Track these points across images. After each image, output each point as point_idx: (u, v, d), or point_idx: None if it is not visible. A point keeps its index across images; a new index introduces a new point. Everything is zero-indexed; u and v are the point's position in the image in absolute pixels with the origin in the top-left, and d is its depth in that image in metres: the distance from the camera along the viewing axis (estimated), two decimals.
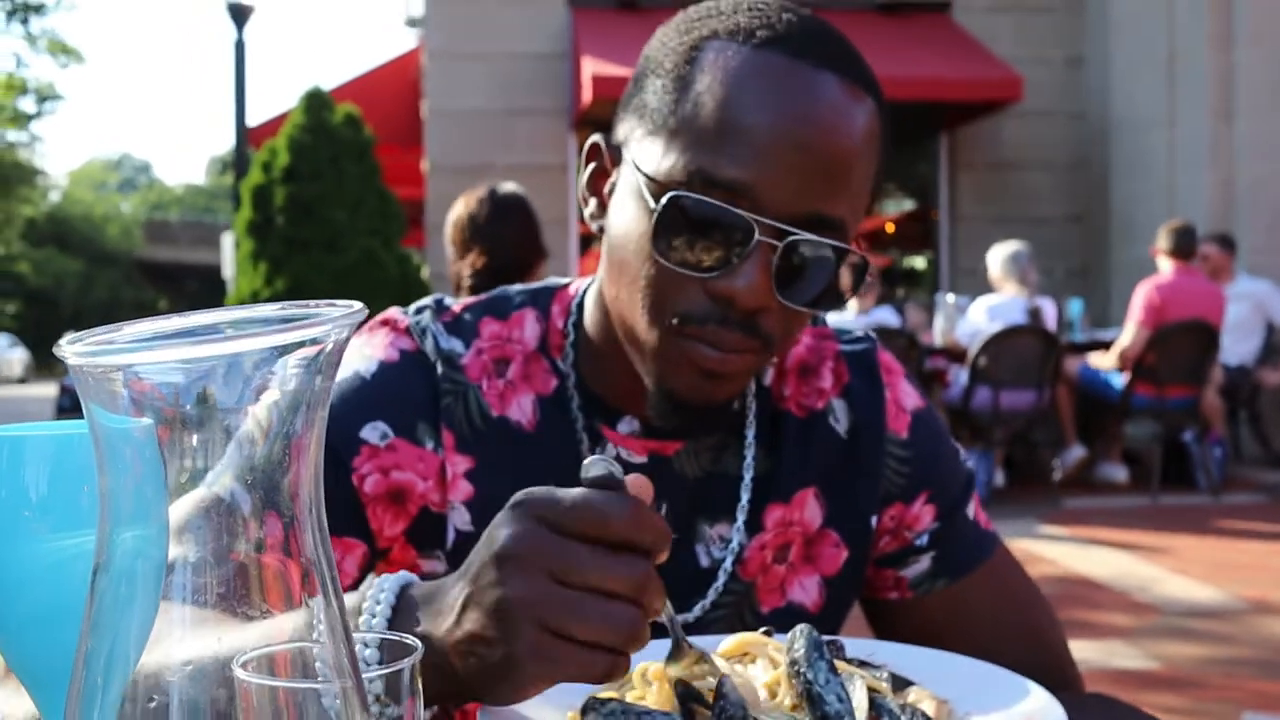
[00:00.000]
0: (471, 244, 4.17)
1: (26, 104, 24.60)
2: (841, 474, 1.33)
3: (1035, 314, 8.32)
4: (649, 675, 0.98)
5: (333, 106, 10.32)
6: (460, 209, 4.25)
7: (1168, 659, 4.69)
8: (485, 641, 0.87)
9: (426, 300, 1.34)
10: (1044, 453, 8.57)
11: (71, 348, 0.53)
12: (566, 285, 1.35)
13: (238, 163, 12.14)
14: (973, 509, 1.39)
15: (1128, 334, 8.36)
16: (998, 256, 8.61)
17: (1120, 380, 8.40)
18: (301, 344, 0.55)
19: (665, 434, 1.26)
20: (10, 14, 21.85)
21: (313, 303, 0.58)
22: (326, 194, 9.99)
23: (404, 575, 0.97)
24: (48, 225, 41.82)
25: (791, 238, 1.08)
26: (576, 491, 0.87)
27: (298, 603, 0.58)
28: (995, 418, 8.23)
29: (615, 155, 1.21)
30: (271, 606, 0.58)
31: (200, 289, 42.07)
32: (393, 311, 1.32)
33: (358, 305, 0.57)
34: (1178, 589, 5.82)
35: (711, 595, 1.28)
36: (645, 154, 1.14)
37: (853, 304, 8.36)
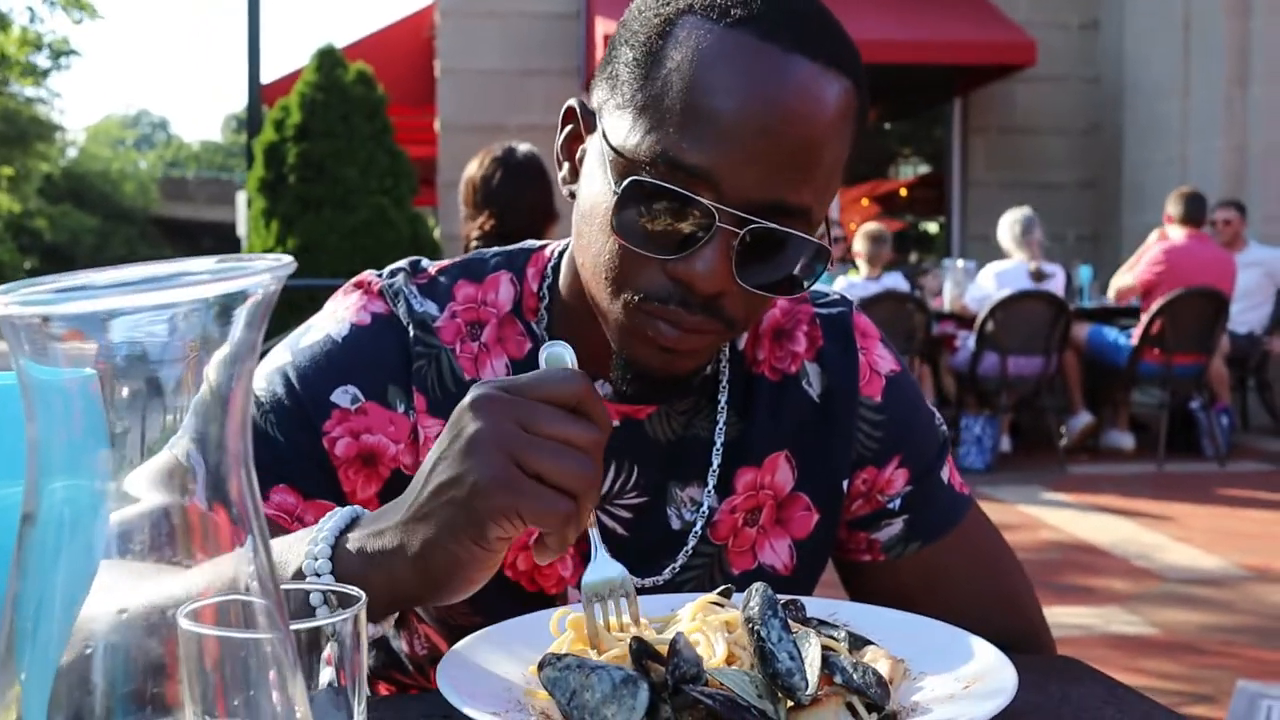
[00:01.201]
0: (483, 206, 4.16)
1: (41, 60, 24.58)
2: (813, 437, 1.34)
3: (1037, 275, 8.29)
4: (567, 622, 1.03)
5: (345, 65, 10.28)
6: (474, 169, 4.23)
7: (1166, 625, 4.71)
8: (452, 482, 0.94)
9: (401, 263, 1.34)
10: (1051, 419, 8.55)
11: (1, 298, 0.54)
12: (542, 248, 1.35)
13: (250, 120, 12.12)
14: (947, 473, 1.39)
15: (1122, 278, 8.38)
16: (1006, 222, 8.59)
17: (1127, 342, 8.39)
18: (228, 296, 0.56)
19: (638, 398, 1.27)
20: None
21: (246, 256, 0.59)
22: (338, 152, 9.97)
23: (354, 509, 1.03)
24: (65, 182, 41.83)
25: (752, 225, 1.08)
26: (532, 372, 0.99)
27: (228, 550, 0.59)
28: (1002, 383, 8.23)
29: (590, 121, 1.20)
30: (205, 556, 0.59)
31: (216, 246, 42.08)
32: (366, 274, 1.32)
33: (286, 259, 0.58)
34: (1180, 556, 5.83)
35: (682, 558, 1.30)
36: (614, 126, 1.13)
37: (863, 268, 8.34)
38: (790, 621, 0.95)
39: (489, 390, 0.96)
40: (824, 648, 0.93)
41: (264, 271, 0.57)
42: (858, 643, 1.01)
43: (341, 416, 1.23)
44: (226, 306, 0.56)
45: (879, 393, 1.36)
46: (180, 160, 63.22)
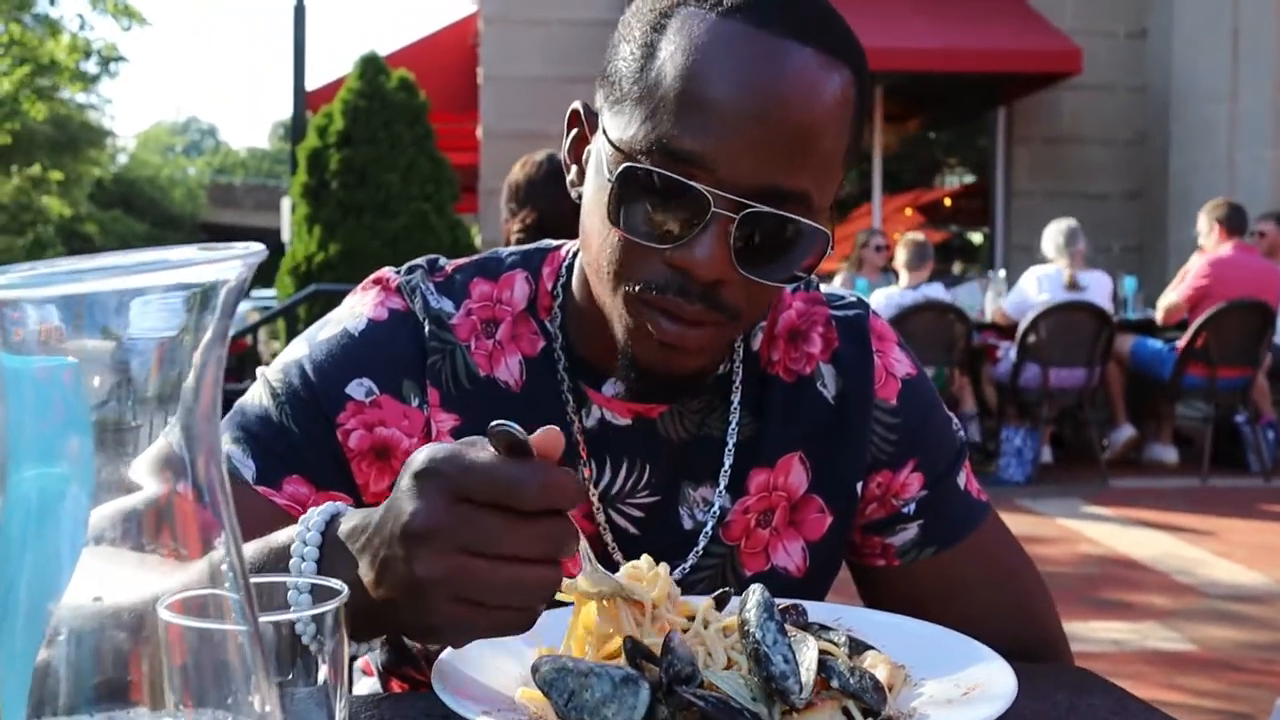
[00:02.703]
0: (525, 204, 4.19)
1: (90, 66, 24.91)
2: (827, 439, 1.33)
3: (1071, 284, 8.22)
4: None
5: (388, 72, 10.38)
6: (517, 172, 4.27)
7: (1204, 641, 4.64)
8: (403, 607, 0.90)
9: (420, 260, 1.34)
10: (1093, 431, 8.47)
11: None
12: (558, 248, 1.35)
13: (294, 127, 12.23)
14: (964, 478, 1.38)
15: (1168, 297, 8.28)
16: (1050, 231, 8.52)
17: (1171, 355, 8.30)
18: (198, 284, 0.56)
19: (650, 396, 1.26)
20: None
21: (223, 245, 0.59)
22: (380, 158, 10.06)
23: (333, 506, 0.99)
24: (115, 187, 42.31)
25: (748, 210, 1.08)
26: (485, 460, 0.87)
27: (202, 540, 0.59)
28: (1044, 395, 8.15)
29: (593, 122, 1.21)
30: (183, 546, 0.59)
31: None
32: (385, 271, 1.33)
33: (257, 246, 0.58)
34: (1221, 572, 5.76)
35: (693, 558, 1.29)
36: (612, 121, 1.14)
37: (904, 277, 8.29)
38: (787, 625, 0.94)
39: (430, 501, 0.86)
40: (822, 652, 0.92)
41: (234, 259, 0.56)
42: (858, 648, 1.00)
43: (356, 409, 1.23)
44: (196, 293, 0.56)
45: (894, 395, 1.35)
46: (228, 167, 63.84)
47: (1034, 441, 8.23)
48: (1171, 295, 8.40)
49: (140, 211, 42.36)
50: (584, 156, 1.23)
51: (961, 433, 1.41)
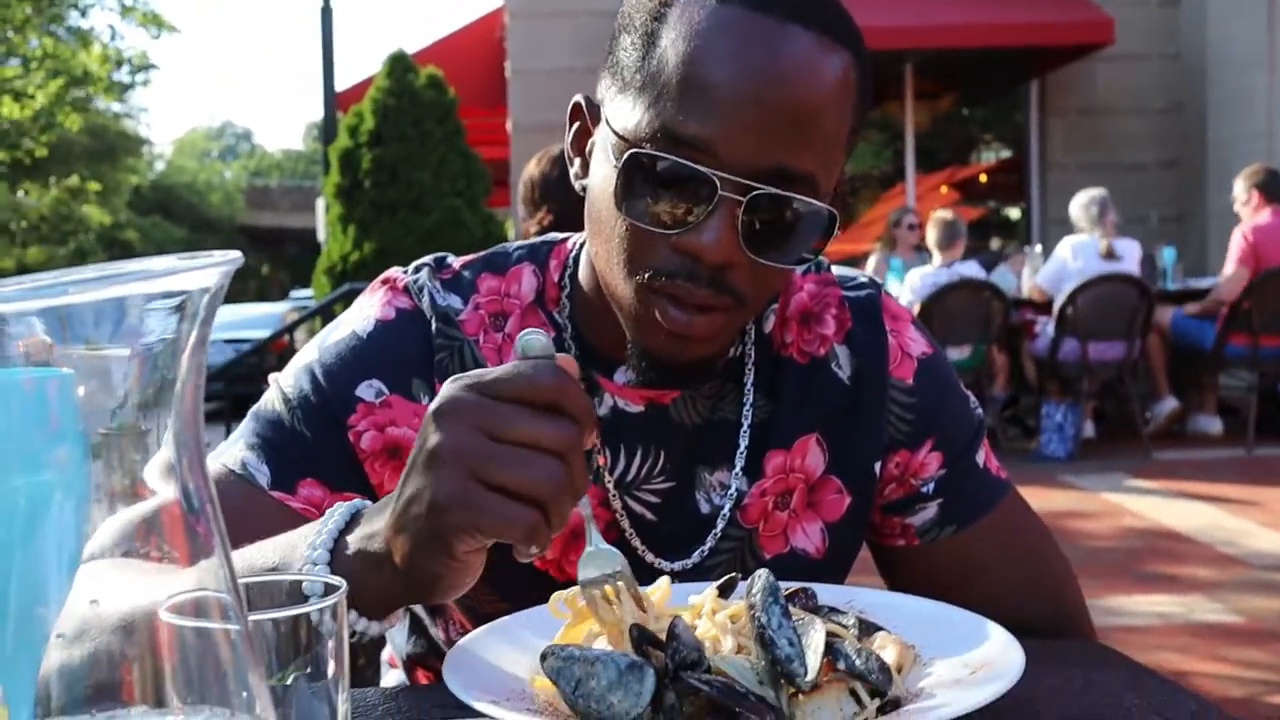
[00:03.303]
0: (541, 202, 4.18)
1: (123, 75, 25.14)
2: (844, 420, 1.33)
3: (1108, 253, 8.13)
4: (564, 601, 1.02)
5: (416, 69, 10.40)
6: (532, 167, 4.27)
7: (1251, 613, 4.60)
8: (416, 498, 0.91)
9: (427, 259, 1.36)
10: (1135, 405, 8.39)
11: None
12: (564, 240, 1.36)
13: (325, 128, 12.30)
14: (982, 456, 1.38)
15: (1225, 279, 8.15)
16: (1080, 202, 8.43)
17: (1212, 325, 8.20)
18: (178, 291, 0.57)
19: (662, 383, 1.27)
20: None
21: (203, 253, 0.60)
22: (411, 156, 10.09)
23: (357, 502, 1.02)
24: (153, 194, 42.73)
25: (755, 192, 1.08)
26: (508, 364, 0.92)
27: (193, 545, 0.60)
28: (1084, 369, 8.08)
29: (596, 114, 1.21)
30: (177, 551, 0.60)
31: (298, 253, 42.77)
32: (392, 271, 1.34)
33: (234, 254, 0.59)
34: (1266, 542, 5.70)
35: (710, 541, 1.30)
36: (616, 111, 1.14)
37: (936, 256, 8.24)
38: (795, 608, 0.94)
39: (456, 391, 0.92)
40: (829, 634, 0.92)
41: (212, 266, 0.57)
42: (868, 629, 1.01)
43: (366, 410, 1.25)
44: (176, 301, 0.57)
45: (910, 375, 1.35)
46: (264, 169, 64.31)
47: (1075, 416, 8.17)
48: (1228, 269, 8.22)
49: (179, 217, 42.76)
50: (587, 149, 1.23)
51: (979, 410, 1.41)
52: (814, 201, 1.11)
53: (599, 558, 1.00)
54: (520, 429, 0.89)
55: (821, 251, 1.15)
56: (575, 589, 1.02)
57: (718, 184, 1.07)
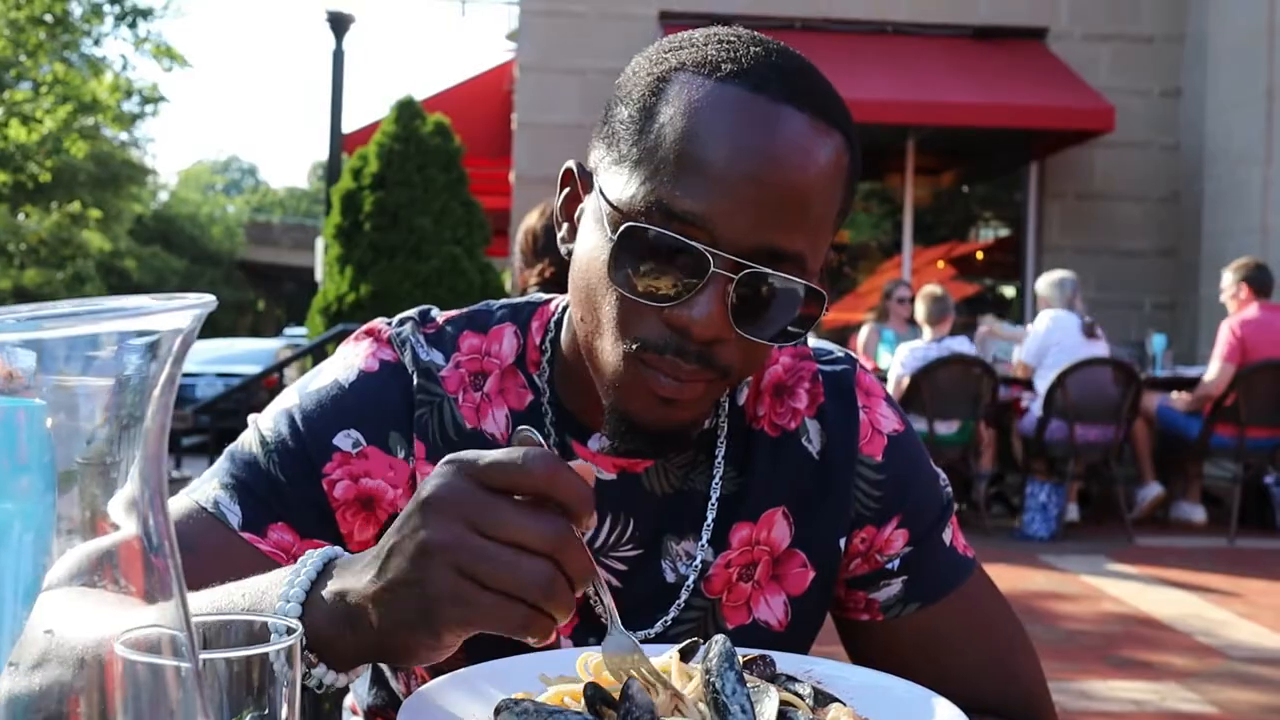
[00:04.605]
0: (542, 255, 4.20)
1: (132, 106, 25.27)
2: (812, 494, 1.34)
3: (1090, 330, 8.19)
4: (590, 667, 1.01)
5: (424, 116, 10.48)
6: (533, 219, 4.29)
7: (1226, 704, 4.59)
8: (405, 584, 0.90)
9: (411, 311, 1.37)
10: (1120, 489, 8.40)
11: None
12: (547, 301, 1.37)
13: (330, 169, 12.37)
14: (949, 534, 1.38)
15: (1211, 372, 8.19)
16: (1048, 281, 8.47)
17: (1199, 418, 8.23)
18: (150, 332, 0.58)
19: (636, 452, 1.28)
20: (119, 18, 22.47)
21: (177, 295, 0.61)
22: (413, 201, 10.15)
23: (333, 549, 1.01)
24: (155, 224, 42.81)
25: (747, 270, 1.10)
26: (503, 450, 0.91)
27: (149, 581, 0.61)
28: (1070, 451, 8.10)
29: (587, 181, 1.23)
30: (134, 586, 0.61)
31: (297, 291, 42.88)
32: (377, 322, 1.35)
33: (208, 298, 0.60)
34: (1245, 634, 5.69)
35: (674, 610, 1.30)
36: (610, 182, 1.16)
37: (926, 331, 8.28)
38: (751, 675, 0.95)
39: (447, 479, 0.90)
40: (783, 703, 0.93)
41: (186, 308, 0.59)
42: (823, 700, 1.01)
43: (342, 459, 1.25)
44: (149, 340, 0.58)
45: (880, 452, 1.36)
46: (267, 206, 64.51)
47: (1059, 497, 8.18)
48: (1214, 365, 8.26)
49: (179, 248, 42.82)
50: (576, 215, 1.25)
51: (948, 488, 1.42)
52: (803, 282, 1.12)
53: (616, 644, 0.99)
54: (508, 528, 0.87)
55: (810, 329, 1.16)
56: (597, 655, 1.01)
57: (711, 261, 1.09)
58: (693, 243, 1.09)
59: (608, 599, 0.99)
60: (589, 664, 1.02)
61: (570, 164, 1.27)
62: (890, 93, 10.70)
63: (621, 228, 1.11)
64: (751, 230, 1.09)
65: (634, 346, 1.14)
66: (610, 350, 1.16)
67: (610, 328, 1.15)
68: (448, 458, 0.92)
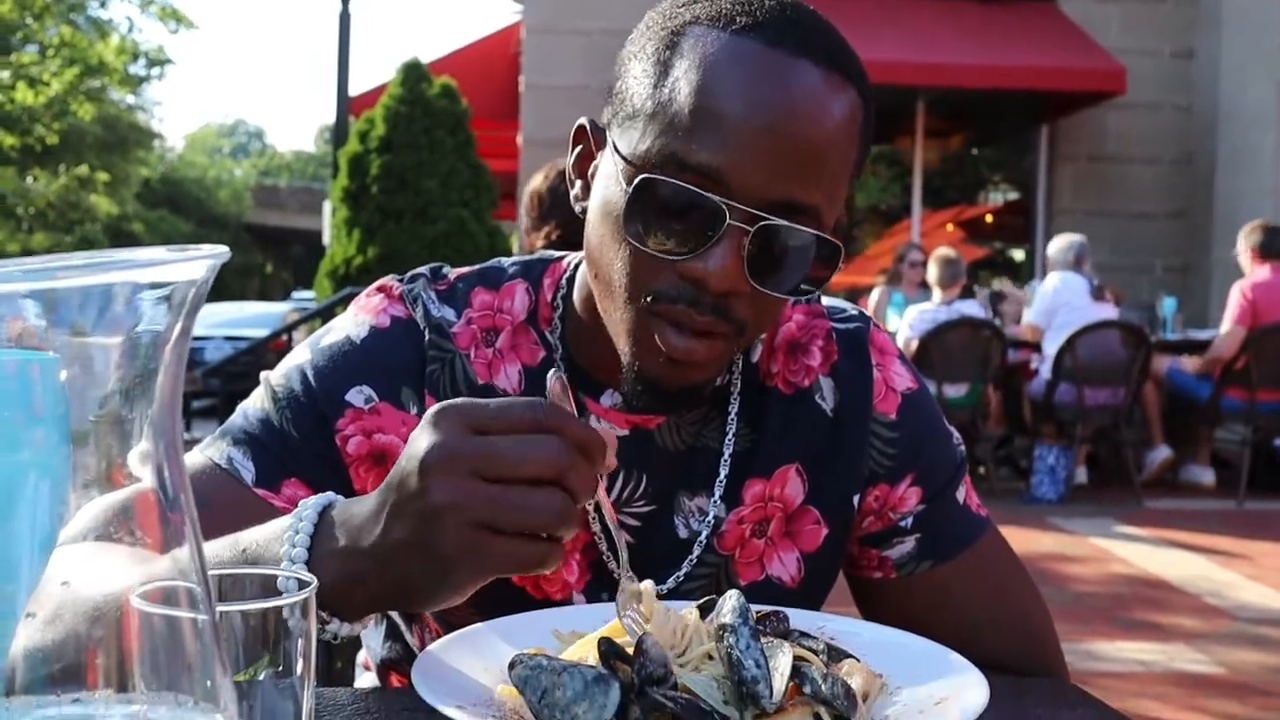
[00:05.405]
0: (548, 217, 4.18)
1: (138, 68, 25.20)
2: (825, 452, 1.33)
3: (1099, 293, 8.17)
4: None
5: (430, 79, 10.43)
6: (538, 181, 4.26)
7: (1233, 665, 4.60)
8: (415, 548, 0.90)
9: (423, 269, 1.36)
10: (1129, 452, 8.39)
11: None
12: (560, 258, 1.37)
13: (337, 132, 12.34)
14: (963, 493, 1.38)
15: (1221, 337, 8.17)
16: (1057, 246, 8.43)
17: (1209, 381, 8.22)
18: (164, 284, 0.57)
19: (652, 408, 1.27)
20: None
21: (191, 246, 0.61)
22: (420, 164, 10.12)
23: (327, 496, 1.00)
24: (162, 187, 42.76)
25: (762, 223, 1.09)
26: (498, 399, 0.92)
27: (165, 534, 0.60)
28: (1079, 413, 8.09)
29: (600, 138, 1.22)
30: (150, 539, 0.61)
31: (304, 254, 42.87)
32: (388, 279, 1.35)
33: (221, 249, 0.60)
34: (1253, 595, 5.70)
35: (686, 566, 1.30)
36: (624, 137, 1.15)
37: (936, 294, 8.26)
38: (765, 631, 0.95)
39: (444, 436, 0.90)
40: (797, 658, 0.93)
41: (199, 259, 0.58)
42: (836, 655, 1.01)
43: (355, 415, 1.25)
44: (163, 292, 0.58)
45: (894, 410, 1.36)
46: (273, 169, 64.41)
47: (1068, 460, 8.17)
48: (1225, 328, 8.24)
49: (186, 211, 42.78)
50: (589, 172, 1.24)
51: (961, 447, 1.41)
52: (819, 233, 1.12)
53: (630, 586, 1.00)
54: (511, 463, 0.88)
55: (826, 283, 1.16)
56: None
57: (726, 212, 1.08)
58: (708, 194, 1.08)
59: (620, 538, 1.02)
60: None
61: (583, 121, 1.26)
62: (900, 54, 10.63)
63: (636, 180, 1.11)
64: (767, 183, 1.09)
65: (648, 300, 1.13)
66: (624, 305, 1.16)
67: (624, 283, 1.15)
68: (433, 410, 0.92)
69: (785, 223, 1.10)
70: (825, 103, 1.11)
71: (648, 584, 1.03)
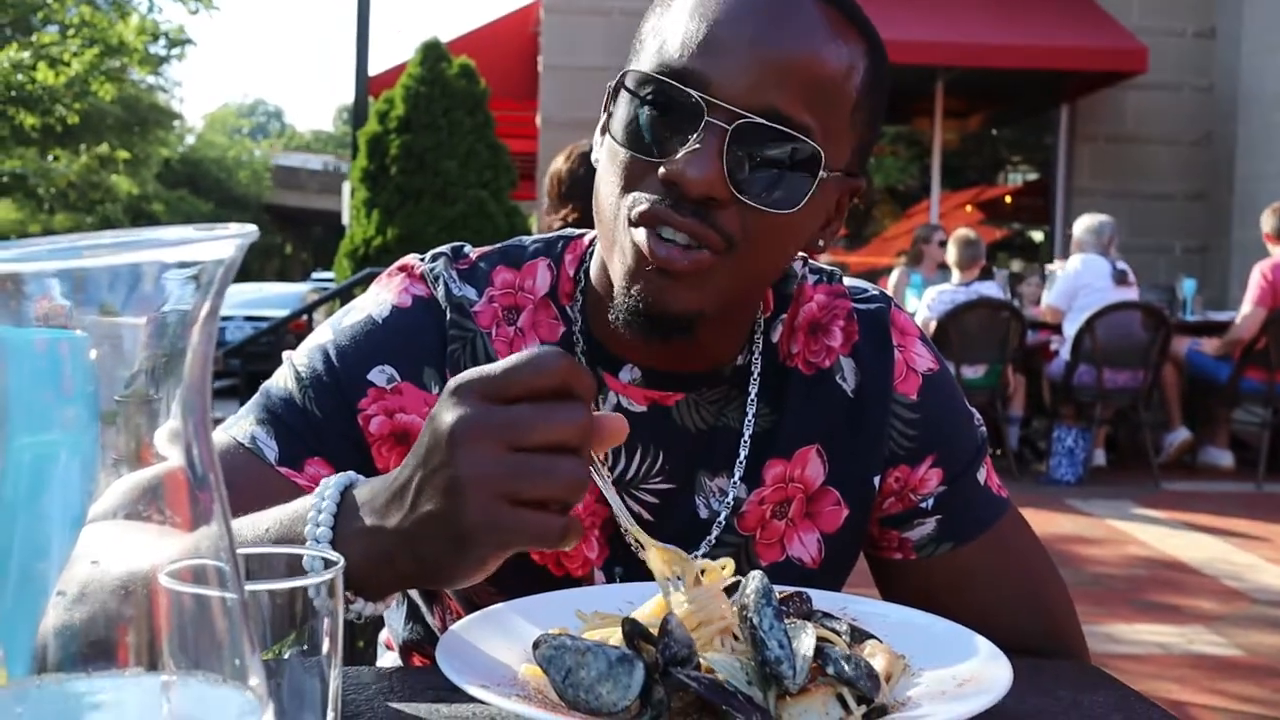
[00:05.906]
0: (568, 199, 4.18)
1: (158, 48, 25.24)
2: (845, 433, 1.33)
3: (1123, 279, 8.12)
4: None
5: (449, 58, 10.41)
6: (560, 162, 4.26)
7: (1251, 647, 4.59)
8: (441, 520, 0.90)
9: (444, 248, 1.36)
10: (1148, 434, 8.36)
11: None
12: (580, 235, 1.37)
13: (356, 112, 12.32)
14: (983, 474, 1.38)
15: (1241, 318, 8.13)
16: (1085, 225, 8.38)
17: (1228, 363, 8.18)
18: (193, 263, 0.58)
19: (667, 384, 1.27)
20: None
21: (219, 225, 0.61)
22: (439, 145, 10.10)
23: (348, 475, 1.01)
24: (182, 168, 42.87)
25: (741, 120, 1.09)
26: (504, 360, 0.91)
27: (194, 513, 0.61)
28: (1098, 395, 8.06)
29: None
30: (179, 518, 0.61)
31: (324, 234, 42.92)
32: (410, 258, 1.35)
33: (250, 228, 0.60)
34: (1271, 578, 5.68)
35: (705, 546, 1.30)
36: (627, 68, 1.18)
37: (955, 274, 8.23)
38: (788, 611, 0.95)
39: (466, 407, 0.90)
40: (820, 639, 0.93)
41: (228, 238, 0.58)
42: (859, 637, 1.01)
43: (377, 395, 1.26)
44: (192, 271, 0.58)
45: (915, 391, 1.35)
46: (293, 149, 64.44)
47: (1086, 442, 8.15)
48: (1245, 309, 8.20)
49: (206, 192, 42.89)
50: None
51: (982, 428, 1.41)
52: (804, 138, 1.12)
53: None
54: (538, 433, 0.88)
55: (807, 196, 1.14)
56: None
57: (705, 108, 1.09)
58: (687, 89, 1.10)
59: (611, 493, 1.02)
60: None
61: (612, 85, 1.27)
62: (919, 33, 10.56)
63: (617, 76, 1.14)
64: (750, 90, 1.10)
65: (631, 207, 1.14)
66: (611, 221, 1.17)
67: (612, 198, 1.16)
68: (452, 386, 0.92)
69: (765, 122, 1.10)
70: (821, 33, 1.13)
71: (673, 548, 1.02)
